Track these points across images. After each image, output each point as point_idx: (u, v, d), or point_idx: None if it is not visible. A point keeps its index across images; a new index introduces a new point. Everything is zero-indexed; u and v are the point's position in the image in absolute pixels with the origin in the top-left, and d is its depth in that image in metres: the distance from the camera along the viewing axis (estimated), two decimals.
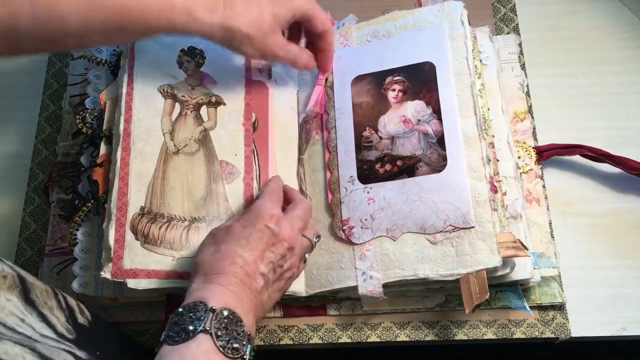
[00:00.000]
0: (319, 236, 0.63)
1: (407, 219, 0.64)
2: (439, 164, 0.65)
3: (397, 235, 0.64)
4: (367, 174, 0.67)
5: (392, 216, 0.65)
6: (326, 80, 0.73)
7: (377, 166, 0.67)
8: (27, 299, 0.43)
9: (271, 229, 0.57)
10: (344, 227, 0.66)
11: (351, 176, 0.68)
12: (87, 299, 0.64)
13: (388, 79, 0.70)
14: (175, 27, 0.59)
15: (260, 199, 0.61)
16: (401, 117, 0.68)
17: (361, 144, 0.69)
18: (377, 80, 0.71)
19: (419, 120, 0.68)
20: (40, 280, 0.46)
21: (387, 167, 0.67)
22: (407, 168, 0.66)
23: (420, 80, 0.69)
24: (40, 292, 0.44)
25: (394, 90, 0.70)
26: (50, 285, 0.47)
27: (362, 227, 0.66)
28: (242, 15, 0.60)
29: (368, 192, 0.67)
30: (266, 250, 0.56)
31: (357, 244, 0.65)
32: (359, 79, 0.72)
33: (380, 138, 0.68)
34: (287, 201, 0.63)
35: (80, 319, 0.48)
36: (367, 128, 0.69)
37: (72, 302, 0.48)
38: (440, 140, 0.66)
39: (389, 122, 0.69)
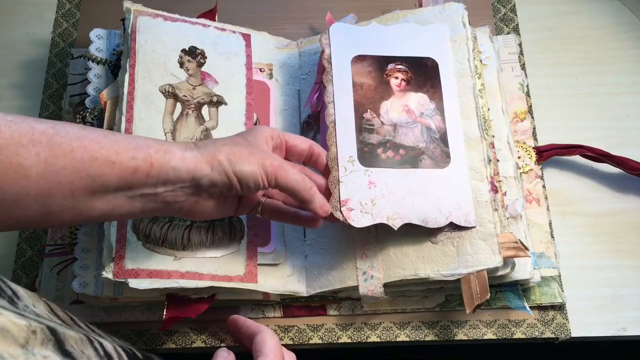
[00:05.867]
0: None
1: (409, 209, 0.63)
2: (442, 161, 0.65)
3: (398, 224, 0.62)
4: (369, 157, 0.65)
5: (393, 205, 0.63)
6: (323, 52, 0.71)
7: (379, 151, 0.65)
8: (64, 351, 0.39)
9: None
10: (342, 208, 0.62)
11: (351, 156, 0.65)
12: (87, 299, 0.64)
13: (390, 66, 0.69)
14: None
15: None
16: (404, 106, 0.67)
17: (362, 126, 0.66)
18: (378, 64, 0.69)
19: (422, 113, 0.67)
20: (70, 329, 0.42)
21: (390, 153, 0.65)
22: (410, 158, 0.65)
23: (423, 75, 0.68)
24: (75, 341, 0.40)
25: (396, 78, 0.69)
26: (81, 332, 0.43)
27: (361, 211, 0.62)
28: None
29: (369, 176, 0.64)
30: None
31: (355, 227, 0.62)
32: (359, 58, 0.70)
33: (382, 123, 0.67)
34: (250, 336, 0.60)
35: None
36: (369, 110, 0.67)
37: (109, 346, 0.44)
38: (443, 137, 0.66)
39: (392, 109, 0.67)
